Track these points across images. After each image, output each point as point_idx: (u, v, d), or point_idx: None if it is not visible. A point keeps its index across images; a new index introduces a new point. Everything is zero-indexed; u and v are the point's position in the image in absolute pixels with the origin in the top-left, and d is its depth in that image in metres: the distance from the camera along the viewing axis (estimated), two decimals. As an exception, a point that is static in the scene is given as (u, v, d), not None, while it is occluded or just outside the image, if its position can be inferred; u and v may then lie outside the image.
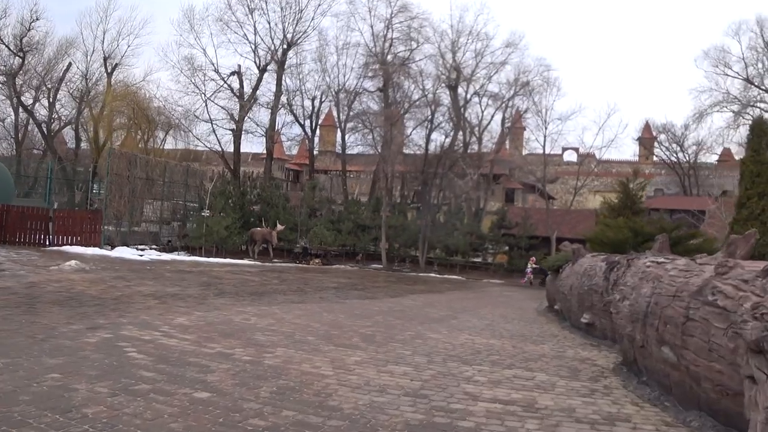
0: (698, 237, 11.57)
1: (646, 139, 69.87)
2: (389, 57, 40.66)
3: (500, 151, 50.28)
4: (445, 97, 39.14)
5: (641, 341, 5.20)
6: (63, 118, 50.48)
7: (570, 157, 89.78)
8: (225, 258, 26.48)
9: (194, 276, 16.75)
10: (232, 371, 5.08)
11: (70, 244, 21.76)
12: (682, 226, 12.31)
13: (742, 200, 10.18)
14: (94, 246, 22.15)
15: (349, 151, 45.23)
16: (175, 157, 40.64)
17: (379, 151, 35.05)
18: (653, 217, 25.32)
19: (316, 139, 57.65)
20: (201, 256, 26.57)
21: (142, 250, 24.54)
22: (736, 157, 58.18)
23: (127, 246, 24.20)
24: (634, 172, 19.33)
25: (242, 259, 27.14)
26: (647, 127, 64.81)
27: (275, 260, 28.02)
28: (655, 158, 66.16)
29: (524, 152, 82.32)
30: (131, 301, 9.97)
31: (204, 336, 6.87)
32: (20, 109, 47.23)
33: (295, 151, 63.88)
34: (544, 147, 31.88)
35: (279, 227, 27.95)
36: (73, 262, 15.60)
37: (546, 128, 31.91)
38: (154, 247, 26.12)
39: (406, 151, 39.26)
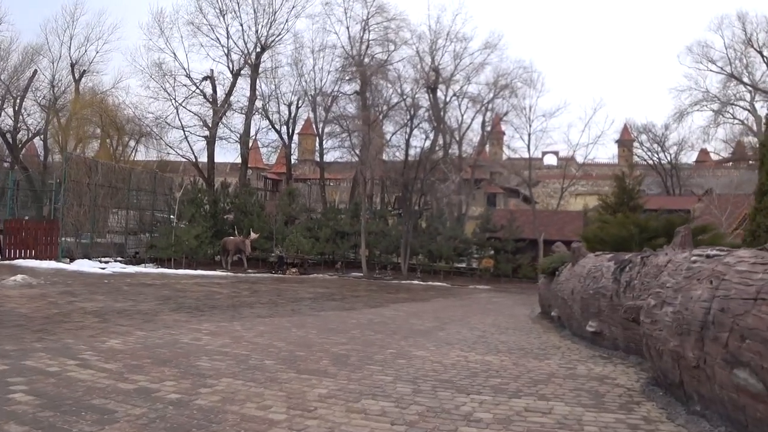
0: (708, 231, 10.40)
1: (625, 140, 69.75)
2: (366, 59, 39.46)
3: (481, 154, 49.46)
4: (424, 101, 38.00)
5: (695, 360, 3.91)
6: (31, 128, 48.65)
7: (550, 160, 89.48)
8: (196, 270, 24.96)
9: (155, 289, 15.27)
10: (144, 419, 3.69)
11: (24, 257, 20.16)
12: (689, 220, 11.17)
13: (763, 188, 9.05)
14: (51, 259, 20.54)
15: (328, 159, 43.97)
16: (152, 168, 38.91)
17: (358, 154, 33.73)
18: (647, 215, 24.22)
19: (295, 147, 56.27)
20: (170, 268, 25.04)
21: (106, 262, 22.98)
22: (714, 156, 58.16)
23: (89, 258, 22.62)
24: (630, 167, 18.24)
25: (215, 270, 25.61)
26: (626, 129, 64.47)
27: (249, 270, 26.52)
28: (636, 159, 65.80)
29: (505, 156, 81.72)
30: (65, 320, 8.52)
31: (132, 364, 5.47)
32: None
33: (274, 160, 62.43)
34: (528, 145, 30.66)
35: (253, 236, 26.45)
36: (19, 277, 14.10)
37: (530, 126, 30.72)
38: (119, 259, 24.53)
39: (386, 157, 38.05)
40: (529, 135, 30.81)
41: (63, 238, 21.09)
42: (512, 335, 10.00)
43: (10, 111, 47.30)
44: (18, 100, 46.76)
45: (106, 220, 24.85)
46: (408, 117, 36.39)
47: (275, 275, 25.56)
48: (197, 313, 10.49)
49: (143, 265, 24.99)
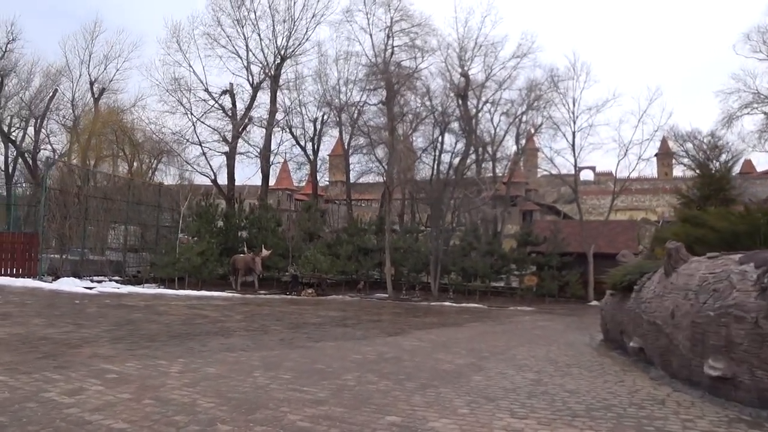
0: None
1: (665, 153, 66.18)
2: (392, 67, 36.91)
3: (515, 171, 46.48)
4: (453, 110, 35.01)
5: None
6: (55, 149, 47.41)
7: (587, 176, 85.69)
8: (200, 290, 22.30)
9: (126, 312, 12.58)
10: None
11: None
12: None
13: None
14: (30, 276, 18.09)
15: (359, 181, 41.61)
16: (183, 190, 36.54)
17: (384, 166, 30.94)
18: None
19: (323, 165, 53.83)
20: (175, 288, 22.46)
21: (98, 281, 20.52)
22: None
23: (78, 277, 20.15)
24: (714, 147, 14.89)
25: (223, 291, 22.89)
26: (665, 141, 60.39)
27: (261, 292, 23.71)
28: (680, 169, 61.33)
29: (540, 174, 78.40)
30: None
31: None
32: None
33: (302, 180, 60.30)
34: (573, 144, 26.65)
35: (264, 252, 23.69)
36: (-36, 298, 11.60)
37: (574, 123, 26.85)
38: (115, 278, 22.02)
39: (417, 176, 35.29)
40: (574, 133, 26.90)
41: (44, 254, 18.62)
42: (580, 378, 6.89)
43: (31, 131, 46.37)
44: (38, 121, 45.69)
45: (103, 236, 22.39)
46: (435, 124, 33.50)
47: (289, 297, 22.72)
48: (142, 345, 7.68)
49: (144, 285, 22.46)
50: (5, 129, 44.65)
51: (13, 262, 17.64)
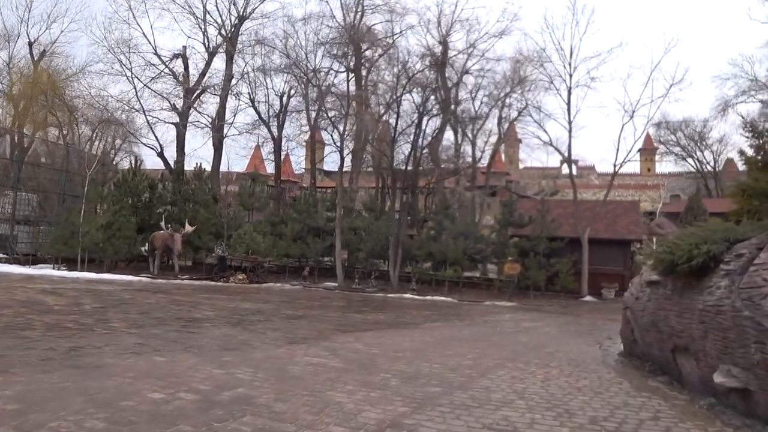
0: None
1: (648, 149, 64.23)
2: (363, 29, 32.62)
3: (496, 157, 42.61)
4: (431, 82, 30.75)
5: None
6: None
7: (568, 170, 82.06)
8: (104, 273, 17.90)
9: None
10: None
11: None
12: None
13: None
14: None
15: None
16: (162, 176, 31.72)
17: (338, 130, 26.59)
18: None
19: (303, 157, 49.45)
20: (76, 270, 18.01)
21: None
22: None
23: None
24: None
25: (136, 274, 18.44)
26: (648, 137, 57.50)
27: (183, 276, 19.32)
28: (668, 163, 58.61)
29: (522, 165, 74.59)
30: None
31: None
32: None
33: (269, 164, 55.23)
34: (568, 103, 21.35)
35: (186, 229, 19.31)
36: None
37: (571, 78, 21.72)
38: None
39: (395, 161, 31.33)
40: (569, 90, 21.65)
41: None
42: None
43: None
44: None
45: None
46: (416, 107, 29.07)
47: (215, 283, 18.35)
48: None
49: (33, 265, 17.96)
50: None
51: None
